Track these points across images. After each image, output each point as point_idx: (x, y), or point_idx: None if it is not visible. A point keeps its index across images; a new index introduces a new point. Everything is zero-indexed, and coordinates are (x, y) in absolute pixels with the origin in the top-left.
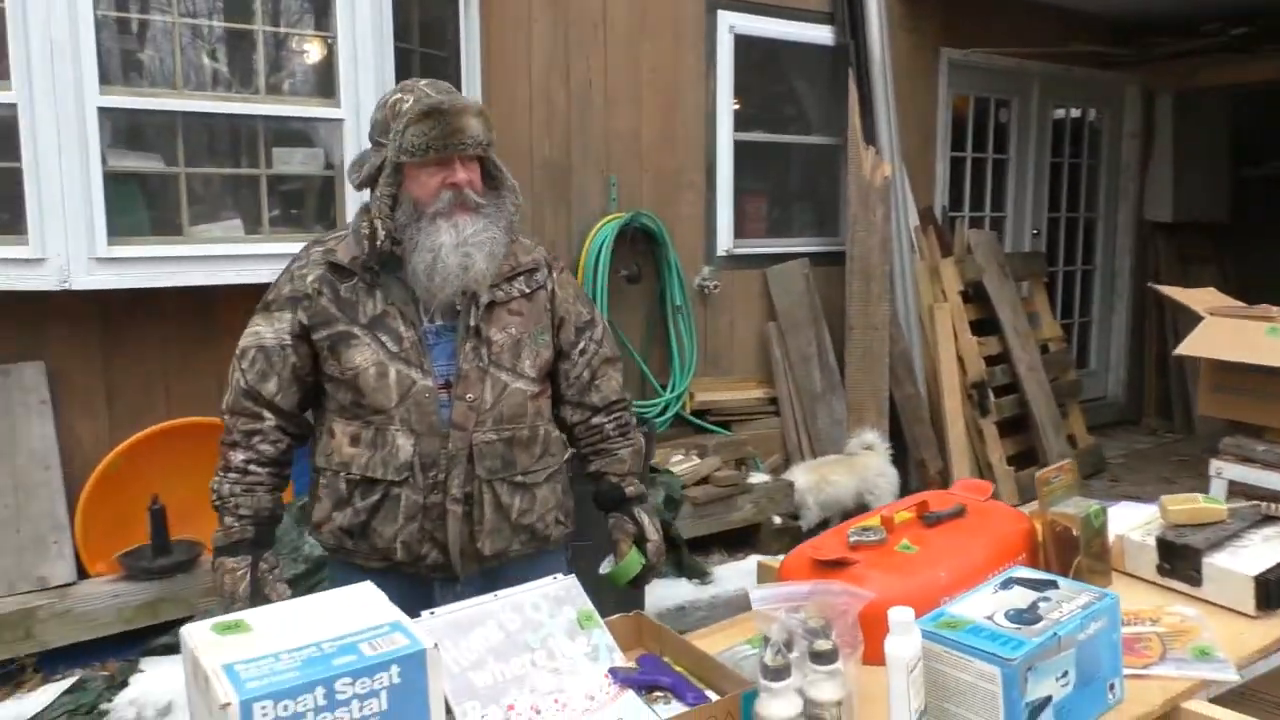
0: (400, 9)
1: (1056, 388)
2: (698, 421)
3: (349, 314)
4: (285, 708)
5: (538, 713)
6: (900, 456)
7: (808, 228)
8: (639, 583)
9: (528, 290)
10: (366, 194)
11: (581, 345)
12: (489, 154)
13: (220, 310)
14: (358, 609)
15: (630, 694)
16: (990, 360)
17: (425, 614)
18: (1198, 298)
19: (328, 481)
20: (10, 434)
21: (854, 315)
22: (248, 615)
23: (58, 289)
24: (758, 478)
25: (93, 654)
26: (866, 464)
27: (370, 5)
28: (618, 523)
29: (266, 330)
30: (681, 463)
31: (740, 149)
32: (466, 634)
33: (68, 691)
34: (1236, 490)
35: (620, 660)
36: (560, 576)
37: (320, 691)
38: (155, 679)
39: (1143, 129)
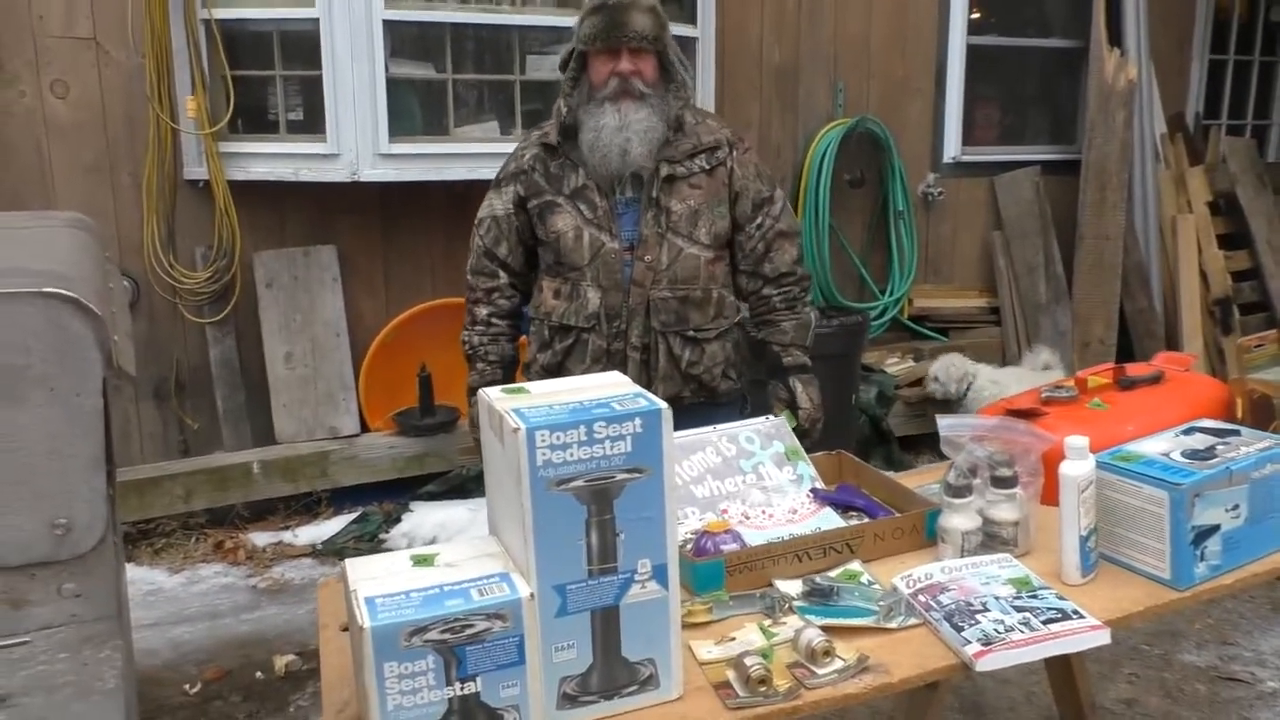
0: None
1: None
2: (915, 327)
3: (555, 186)
4: (558, 438)
5: (746, 519)
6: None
7: (1041, 135)
8: None
9: (708, 167)
10: None
11: (759, 220)
12: (661, 48)
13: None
14: (609, 385)
15: (828, 510)
16: (1238, 276)
17: None
18: None
19: (536, 329)
20: (311, 306)
21: (1086, 224)
22: (528, 385)
23: (348, 180)
24: None
25: (373, 495)
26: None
27: None
28: (774, 389)
29: (497, 202)
30: (896, 364)
31: (973, 53)
32: (689, 455)
33: (354, 521)
34: None
35: (821, 486)
36: (771, 417)
37: (583, 429)
38: (422, 517)
39: None
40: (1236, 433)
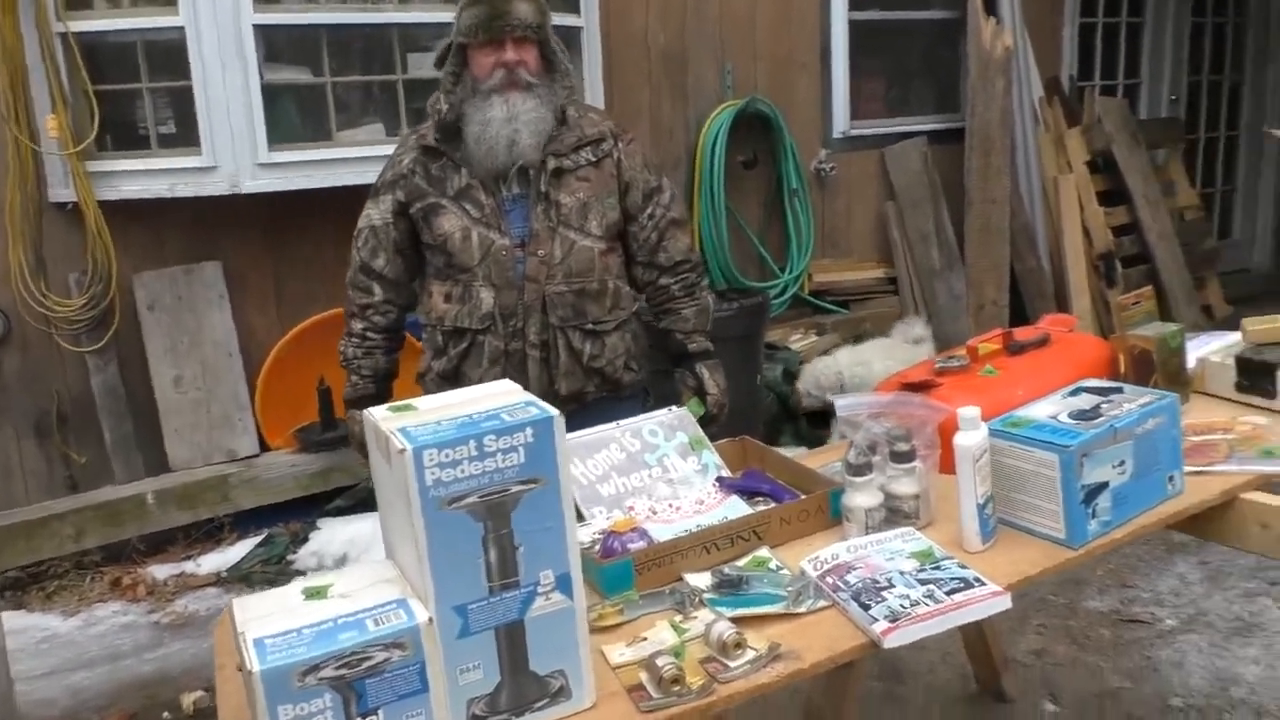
0: None
1: (1191, 257)
2: (816, 301)
3: (438, 188)
4: (447, 455)
5: (654, 513)
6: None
7: (926, 105)
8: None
9: (595, 159)
10: None
11: (650, 210)
12: (544, 37)
13: None
14: (498, 395)
15: (735, 498)
16: (1119, 231)
17: None
18: None
19: (428, 335)
20: (197, 326)
21: (973, 190)
22: (415, 401)
23: (229, 193)
24: None
25: (279, 515)
26: (912, 358)
27: None
28: (680, 376)
29: (374, 212)
30: (800, 340)
31: (856, 29)
32: (594, 453)
33: (260, 545)
34: None
35: (727, 474)
36: (674, 408)
37: (472, 444)
38: (331, 534)
39: None
40: (1119, 390)
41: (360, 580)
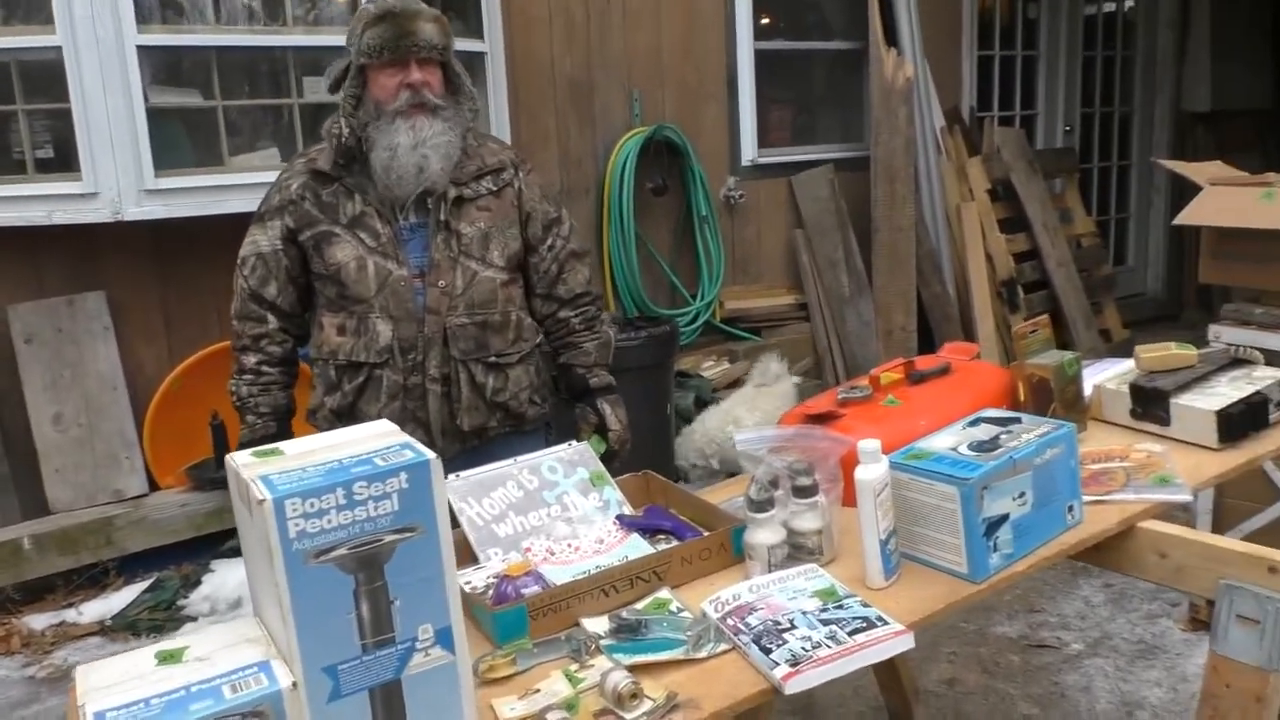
0: None
1: (1089, 283)
2: (728, 329)
3: (330, 215)
4: (312, 504)
5: (552, 554)
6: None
7: (833, 134)
8: None
9: (495, 188)
10: None
11: (549, 241)
12: (448, 59)
13: None
14: (374, 436)
15: (635, 536)
16: (1020, 257)
17: (451, 477)
18: (1202, 170)
19: (320, 370)
20: (79, 359)
21: (879, 218)
22: (282, 445)
23: (111, 221)
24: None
25: (168, 558)
26: (780, 397)
27: None
28: (581, 412)
29: (262, 238)
30: (712, 368)
31: (761, 58)
32: (490, 492)
33: (148, 590)
34: None
35: (629, 511)
36: (574, 443)
37: (340, 492)
38: (225, 577)
39: (1179, 16)
40: (1018, 420)
41: (220, 641)
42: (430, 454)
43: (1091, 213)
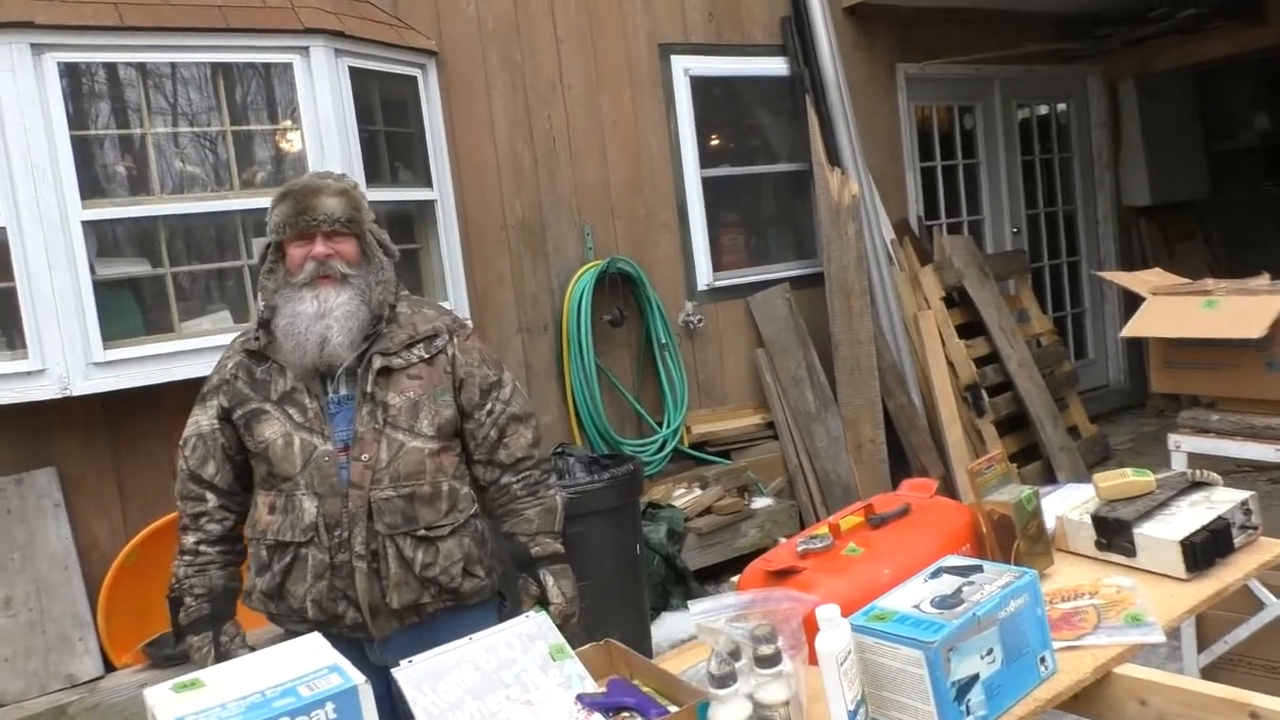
0: (361, 93)
1: (1052, 381)
2: (697, 454)
3: (261, 393)
4: None
5: None
6: (901, 465)
7: (786, 252)
8: None
9: (427, 355)
10: None
11: (489, 406)
12: (359, 230)
13: None
14: (303, 657)
15: (598, 716)
16: (981, 361)
17: (404, 663)
18: (1141, 279)
19: (254, 550)
20: (29, 540)
21: (838, 332)
22: (204, 674)
23: (59, 396)
24: (761, 502)
25: None
26: None
27: (330, 94)
28: (524, 583)
29: (202, 418)
30: (683, 496)
31: (709, 185)
32: (444, 678)
33: None
34: (1197, 463)
35: (591, 687)
36: (531, 615)
37: None
38: None
39: (1110, 117)
40: (979, 569)
41: None
42: (359, 678)
43: (1047, 310)
